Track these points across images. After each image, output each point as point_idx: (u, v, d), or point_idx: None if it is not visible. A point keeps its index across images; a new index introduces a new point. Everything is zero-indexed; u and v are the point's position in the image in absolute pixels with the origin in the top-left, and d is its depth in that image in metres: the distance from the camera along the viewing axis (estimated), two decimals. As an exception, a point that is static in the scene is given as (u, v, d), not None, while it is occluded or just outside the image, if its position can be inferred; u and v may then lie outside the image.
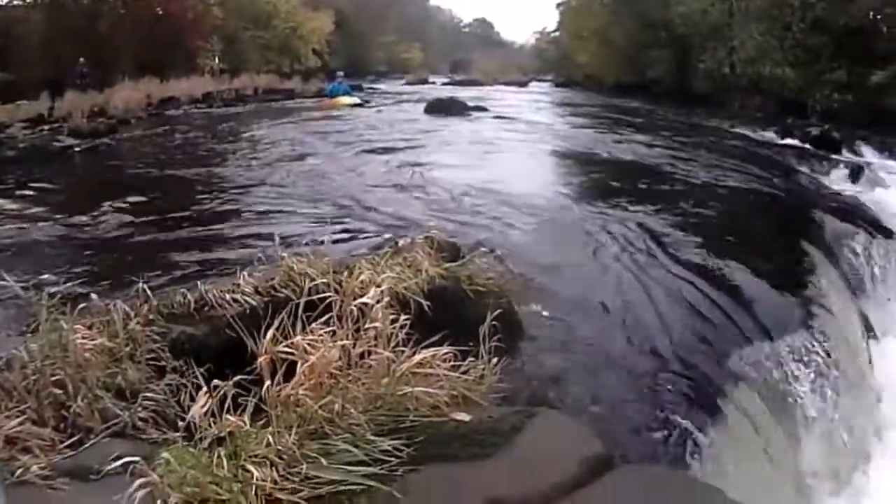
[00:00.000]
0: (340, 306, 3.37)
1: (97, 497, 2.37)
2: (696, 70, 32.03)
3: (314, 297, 3.47)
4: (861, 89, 21.88)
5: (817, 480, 4.81)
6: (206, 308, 3.64)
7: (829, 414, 5.18)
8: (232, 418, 2.73)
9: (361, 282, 3.70)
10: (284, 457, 2.58)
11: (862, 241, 8.24)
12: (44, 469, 2.51)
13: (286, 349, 3.05)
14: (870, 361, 6.37)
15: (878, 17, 23.31)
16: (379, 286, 3.60)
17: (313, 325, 3.22)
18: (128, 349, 3.20)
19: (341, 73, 28.84)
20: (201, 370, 3.12)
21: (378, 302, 3.38)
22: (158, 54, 30.19)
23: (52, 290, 3.40)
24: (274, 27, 46.32)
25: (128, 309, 3.41)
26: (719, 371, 4.71)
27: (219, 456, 2.53)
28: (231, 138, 15.64)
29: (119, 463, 2.42)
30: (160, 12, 31.47)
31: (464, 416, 2.99)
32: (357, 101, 23.56)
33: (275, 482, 2.48)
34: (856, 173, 13.93)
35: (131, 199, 8.23)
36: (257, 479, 2.44)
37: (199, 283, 3.80)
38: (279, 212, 7.51)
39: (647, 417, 4.03)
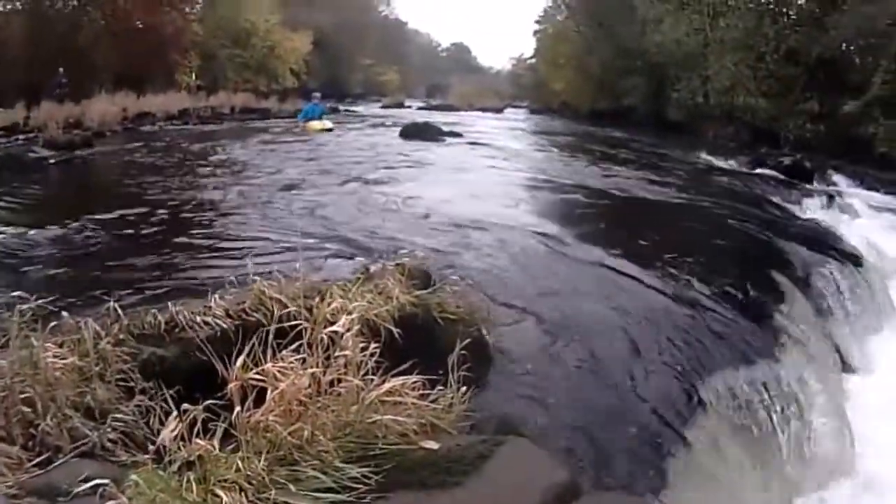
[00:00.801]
0: (311, 333, 3.40)
1: (67, 519, 2.38)
2: (670, 99, 32.33)
3: (285, 325, 3.49)
4: (833, 119, 22.12)
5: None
6: (176, 329, 3.64)
7: (800, 441, 5.25)
8: (202, 442, 2.73)
9: (332, 309, 3.72)
10: (254, 482, 2.59)
11: (831, 269, 8.35)
12: (11, 488, 2.50)
13: (256, 376, 3.07)
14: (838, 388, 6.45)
15: (851, 48, 23.68)
16: (350, 314, 3.62)
17: (284, 351, 3.25)
18: (98, 369, 3.18)
19: (318, 94, 28.52)
20: (171, 392, 3.12)
21: (348, 330, 3.41)
22: (136, 68, 30.11)
23: (23, 306, 3.38)
24: (252, 46, 46.24)
25: (98, 328, 3.40)
26: (687, 400, 4.76)
27: (188, 480, 2.54)
28: (205, 158, 15.45)
29: (89, 485, 2.42)
30: (140, 25, 31.34)
31: (432, 445, 3.01)
32: (329, 126, 23.43)
33: (243, 507, 2.49)
34: (827, 202, 14.11)
35: (105, 215, 8.20)
36: (226, 504, 2.46)
37: (170, 303, 3.80)
38: (251, 234, 7.49)
39: (615, 445, 4.07)
